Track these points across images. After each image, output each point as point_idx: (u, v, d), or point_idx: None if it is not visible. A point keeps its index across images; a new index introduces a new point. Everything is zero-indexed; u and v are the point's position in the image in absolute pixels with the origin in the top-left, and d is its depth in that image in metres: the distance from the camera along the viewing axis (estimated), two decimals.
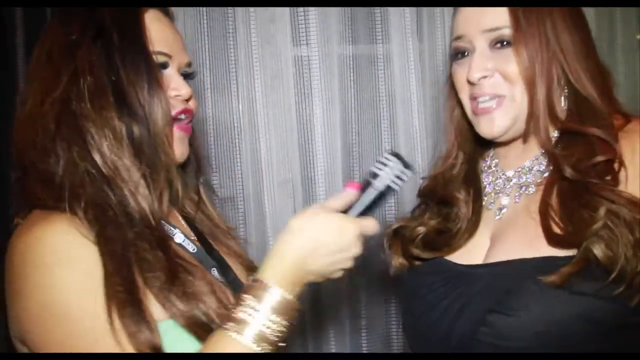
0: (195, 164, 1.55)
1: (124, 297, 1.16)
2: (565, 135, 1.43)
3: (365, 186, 1.32)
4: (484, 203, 1.54)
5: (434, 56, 2.73)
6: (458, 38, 1.47)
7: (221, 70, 2.62)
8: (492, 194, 1.54)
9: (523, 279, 1.32)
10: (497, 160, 1.58)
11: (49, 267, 1.17)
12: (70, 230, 1.19)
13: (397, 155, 1.34)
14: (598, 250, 1.25)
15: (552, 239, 1.34)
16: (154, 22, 1.36)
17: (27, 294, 1.19)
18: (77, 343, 1.16)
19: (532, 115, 1.41)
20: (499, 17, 1.41)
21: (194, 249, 1.40)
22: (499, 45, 1.42)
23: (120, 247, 1.20)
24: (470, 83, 1.46)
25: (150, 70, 1.31)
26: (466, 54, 1.47)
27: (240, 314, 1.19)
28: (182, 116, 1.39)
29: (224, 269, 1.45)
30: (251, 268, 1.55)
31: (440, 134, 2.64)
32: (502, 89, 1.42)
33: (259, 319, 1.19)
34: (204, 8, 2.54)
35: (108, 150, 1.26)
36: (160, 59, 1.35)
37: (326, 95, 2.64)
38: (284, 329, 1.21)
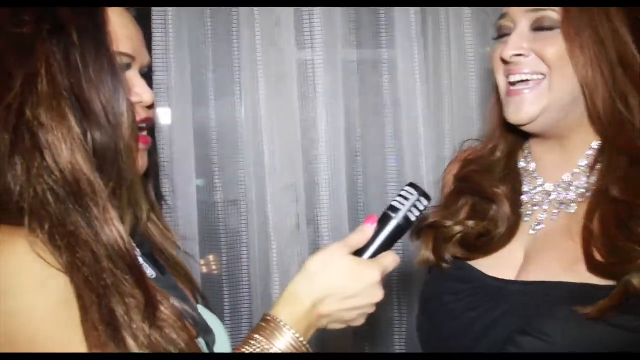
0: (151, 173, 1.41)
1: (104, 333, 1.05)
2: (607, 147, 1.39)
3: (383, 219, 1.29)
4: (521, 210, 1.49)
5: (439, 62, 2.72)
6: (502, 16, 1.45)
7: (225, 73, 2.59)
8: (529, 205, 1.49)
9: (559, 303, 1.29)
10: (534, 165, 1.53)
11: (18, 292, 1.04)
12: (36, 251, 1.06)
13: (414, 186, 1.31)
14: (638, 282, 1.23)
15: (594, 267, 1.31)
16: (116, 18, 1.22)
17: None
18: None
19: (591, 99, 1.36)
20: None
21: (152, 275, 1.29)
22: (540, 27, 1.38)
23: (96, 277, 1.07)
24: (504, 62, 1.43)
25: (114, 73, 1.17)
26: (507, 34, 1.43)
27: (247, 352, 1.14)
28: (143, 124, 1.28)
29: (182, 297, 1.33)
30: (196, 291, 1.47)
31: (443, 141, 2.66)
32: (535, 68, 1.39)
33: None
34: (208, 10, 2.52)
35: (71, 165, 1.11)
36: (124, 60, 1.22)
37: (330, 100, 2.62)
38: None
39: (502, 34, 1.46)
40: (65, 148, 1.10)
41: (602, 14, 1.35)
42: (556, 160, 1.47)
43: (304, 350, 1.17)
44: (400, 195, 1.30)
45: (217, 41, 2.56)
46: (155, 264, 1.35)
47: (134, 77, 1.25)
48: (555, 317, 1.28)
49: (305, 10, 2.58)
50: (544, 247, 1.42)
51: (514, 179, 1.53)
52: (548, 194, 1.47)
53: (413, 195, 1.29)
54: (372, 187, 2.75)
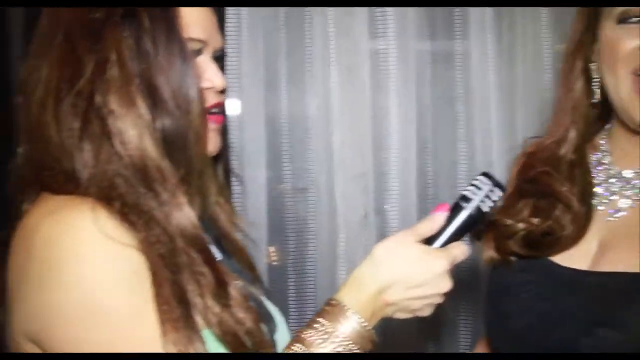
0: (222, 155, 1.39)
1: (177, 309, 1.05)
2: None
3: (455, 209, 1.24)
4: (593, 204, 1.43)
5: (513, 55, 2.68)
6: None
7: (297, 61, 2.60)
8: (604, 195, 1.43)
9: (638, 295, 1.25)
10: (610, 158, 1.45)
11: (90, 260, 1.03)
12: (108, 223, 1.05)
13: (487, 175, 1.26)
14: None
15: None
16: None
17: (54, 287, 1.03)
18: (116, 346, 1.04)
19: None
20: None
21: (219, 258, 1.29)
22: None
23: (170, 254, 1.08)
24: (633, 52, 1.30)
25: (185, 59, 1.14)
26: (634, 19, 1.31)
27: (312, 337, 1.12)
28: (215, 110, 1.26)
29: (246, 280, 1.32)
30: (256, 279, 1.44)
31: (516, 136, 2.62)
32: None
33: (332, 344, 1.11)
34: None
35: (139, 151, 1.10)
36: (195, 45, 1.20)
37: (402, 90, 2.61)
38: None
39: (632, 17, 1.31)
40: (134, 134, 1.10)
41: None
42: (636, 152, 1.40)
43: (367, 335, 1.14)
44: (473, 185, 1.25)
45: (289, 29, 2.58)
46: (221, 248, 1.35)
47: (205, 61, 1.23)
48: (634, 307, 1.24)
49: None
50: (622, 235, 1.36)
51: (583, 174, 1.45)
52: (628, 181, 1.40)
53: (486, 185, 1.24)
54: (442, 178, 2.73)
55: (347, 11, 2.54)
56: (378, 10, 2.58)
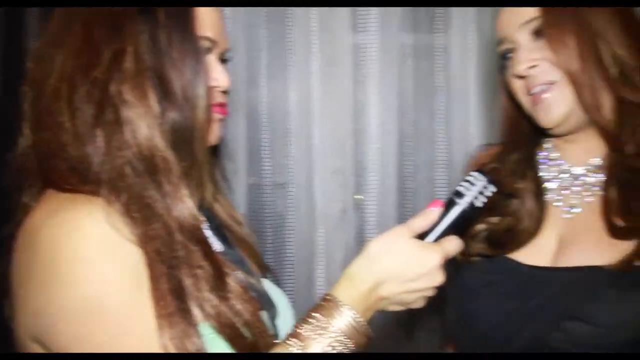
0: (219, 152, 1.45)
1: (173, 303, 1.08)
2: (623, 108, 1.40)
3: (449, 204, 1.25)
4: (547, 199, 1.50)
5: (494, 48, 2.67)
6: (501, 42, 1.46)
7: (277, 56, 2.58)
8: (558, 190, 1.49)
9: (603, 286, 1.31)
10: (558, 154, 1.52)
11: (91, 261, 1.06)
12: (112, 221, 1.08)
13: (481, 172, 1.27)
14: None
15: (616, 232, 1.35)
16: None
17: (59, 287, 1.06)
18: (118, 346, 1.07)
19: (581, 97, 1.37)
20: (535, 9, 1.39)
21: (220, 249, 1.31)
22: (538, 35, 1.39)
23: (167, 249, 1.11)
24: (519, 77, 1.42)
25: (197, 56, 1.19)
26: (510, 54, 1.44)
27: (306, 332, 1.13)
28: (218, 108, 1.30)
29: (247, 270, 1.35)
30: (263, 267, 1.47)
31: (495, 129, 2.63)
32: (552, 75, 1.38)
33: (326, 339, 1.13)
34: None
35: (148, 142, 1.14)
36: (206, 44, 1.23)
37: (383, 84, 2.60)
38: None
39: (506, 55, 1.46)
40: (145, 125, 1.14)
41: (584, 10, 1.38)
42: (582, 149, 1.47)
43: (362, 329, 1.15)
44: (467, 181, 1.25)
45: (271, 23, 2.54)
46: (222, 238, 1.37)
47: (213, 61, 1.26)
48: (601, 300, 1.30)
49: None
50: (580, 231, 1.42)
51: (534, 173, 1.53)
52: (576, 177, 1.48)
53: (480, 181, 1.25)
54: (422, 173, 2.73)
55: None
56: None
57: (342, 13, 2.53)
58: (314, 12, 2.49)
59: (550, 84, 1.39)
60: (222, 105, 1.29)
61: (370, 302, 1.17)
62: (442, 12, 2.64)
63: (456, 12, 2.60)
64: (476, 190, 1.24)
